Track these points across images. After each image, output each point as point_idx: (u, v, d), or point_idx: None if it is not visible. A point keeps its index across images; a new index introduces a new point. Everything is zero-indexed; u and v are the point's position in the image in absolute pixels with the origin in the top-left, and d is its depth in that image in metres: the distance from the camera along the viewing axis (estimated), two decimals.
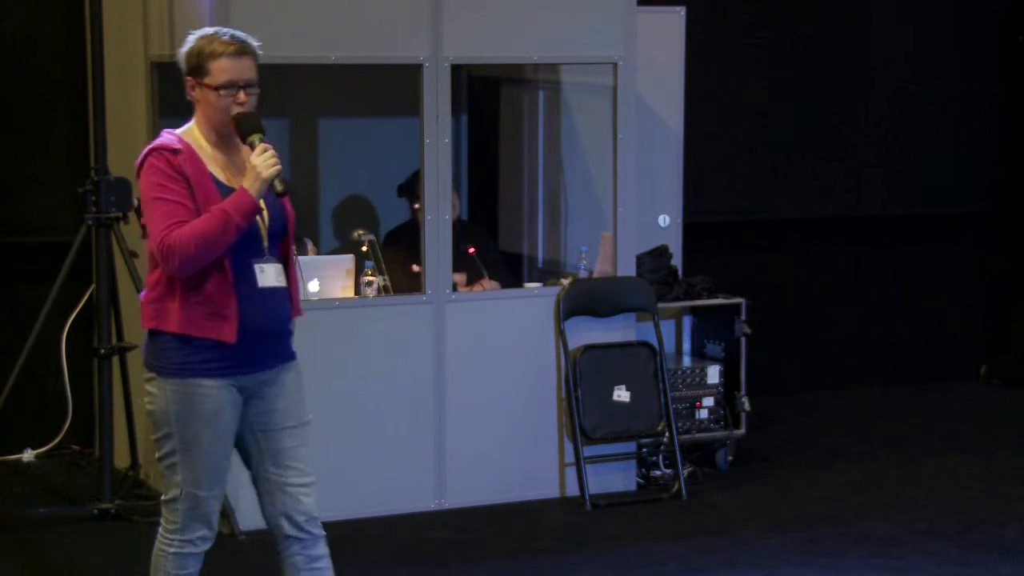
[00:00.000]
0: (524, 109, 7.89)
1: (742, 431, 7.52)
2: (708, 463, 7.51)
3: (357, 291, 6.77)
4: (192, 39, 4.41)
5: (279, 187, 4.31)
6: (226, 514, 6.32)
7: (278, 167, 4.28)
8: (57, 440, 7.58)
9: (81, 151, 7.42)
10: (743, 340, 7.49)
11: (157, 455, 4.43)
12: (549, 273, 7.60)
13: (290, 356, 4.51)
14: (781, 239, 9.09)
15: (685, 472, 7.15)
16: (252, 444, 4.47)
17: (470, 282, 7.19)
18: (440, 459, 6.80)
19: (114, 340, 6.69)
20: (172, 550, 4.41)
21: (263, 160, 4.27)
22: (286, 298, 4.46)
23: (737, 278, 8.24)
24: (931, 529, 6.57)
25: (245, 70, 4.36)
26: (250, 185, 4.27)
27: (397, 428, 6.71)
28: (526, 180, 7.89)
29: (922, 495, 7.12)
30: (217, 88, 4.34)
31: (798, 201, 9.04)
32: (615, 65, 6.99)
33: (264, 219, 4.39)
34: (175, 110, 6.93)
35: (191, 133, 4.42)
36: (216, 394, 4.34)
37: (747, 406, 7.50)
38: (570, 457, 7.00)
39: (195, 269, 4.27)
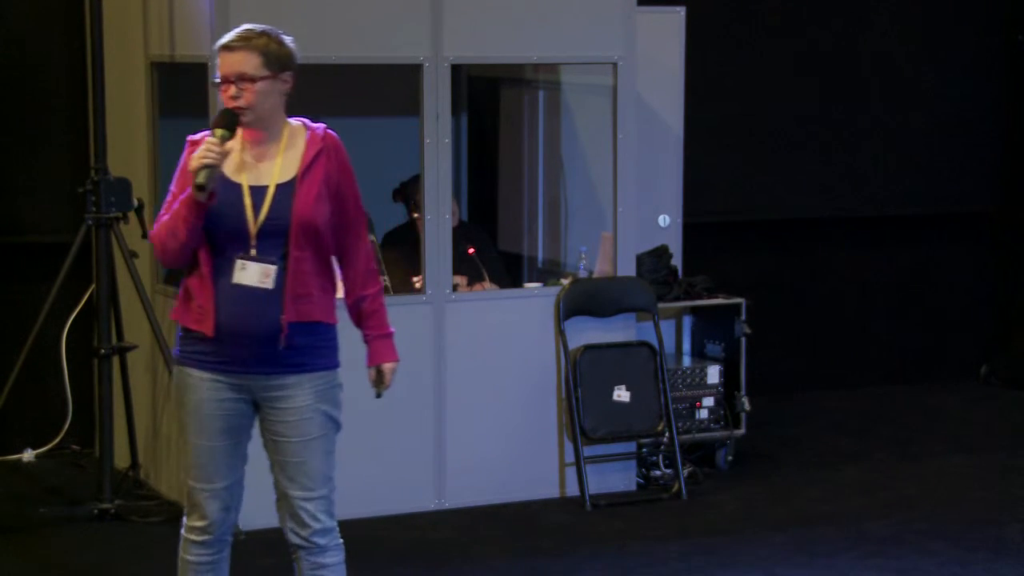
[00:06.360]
0: (524, 109, 7.88)
1: (742, 431, 7.52)
2: (708, 463, 7.51)
3: None
4: None
5: (199, 180, 4.20)
6: None
7: (205, 160, 4.20)
8: (57, 440, 7.58)
9: (81, 151, 7.42)
10: (743, 340, 7.49)
11: None
12: (549, 273, 7.59)
13: (304, 366, 4.40)
14: (781, 239, 9.09)
15: (685, 472, 7.15)
16: (269, 450, 4.48)
17: (470, 284, 7.18)
18: (440, 459, 6.80)
19: (114, 340, 6.69)
20: (181, 530, 4.54)
21: (197, 152, 4.25)
22: (275, 301, 4.32)
23: (737, 278, 8.24)
24: (931, 529, 6.57)
25: (237, 64, 4.33)
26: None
27: (397, 428, 6.71)
28: (526, 180, 7.88)
29: (922, 495, 7.12)
30: (217, 84, 4.40)
31: (798, 201, 9.04)
32: (615, 65, 6.99)
33: (255, 216, 4.31)
34: (175, 110, 6.98)
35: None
36: (199, 385, 4.39)
37: (747, 406, 7.50)
38: (570, 457, 7.00)
39: (177, 260, 4.36)
